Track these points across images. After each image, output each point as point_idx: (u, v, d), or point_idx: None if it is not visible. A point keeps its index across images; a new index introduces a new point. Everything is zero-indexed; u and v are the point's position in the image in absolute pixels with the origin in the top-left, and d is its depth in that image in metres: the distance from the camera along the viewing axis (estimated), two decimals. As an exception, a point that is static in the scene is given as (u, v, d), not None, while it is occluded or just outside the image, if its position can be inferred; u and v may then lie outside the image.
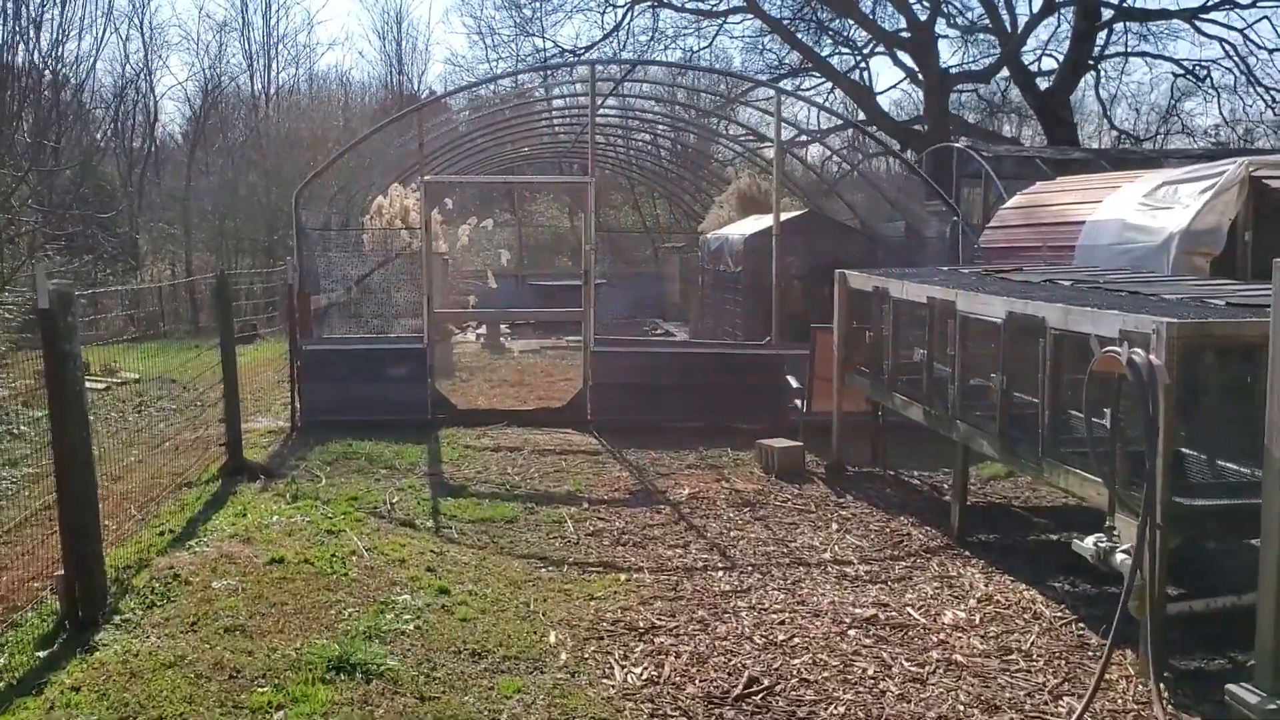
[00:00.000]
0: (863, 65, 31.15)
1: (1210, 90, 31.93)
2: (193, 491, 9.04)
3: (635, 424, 11.94)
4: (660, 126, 25.94)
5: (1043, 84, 31.40)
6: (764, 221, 13.78)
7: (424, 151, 11.86)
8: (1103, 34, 31.84)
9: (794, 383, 10.32)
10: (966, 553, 7.52)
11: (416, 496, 8.87)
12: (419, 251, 12.09)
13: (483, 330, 19.83)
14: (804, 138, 23.40)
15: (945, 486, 9.49)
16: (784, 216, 13.50)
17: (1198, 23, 30.47)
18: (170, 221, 35.66)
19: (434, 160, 21.88)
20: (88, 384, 16.45)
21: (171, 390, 15.10)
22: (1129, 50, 32.84)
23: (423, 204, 11.86)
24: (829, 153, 25.18)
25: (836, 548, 7.69)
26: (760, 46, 32.81)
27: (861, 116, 29.81)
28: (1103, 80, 34.17)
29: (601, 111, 26.52)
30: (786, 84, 29.69)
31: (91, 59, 37.25)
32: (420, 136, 11.98)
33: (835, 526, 8.21)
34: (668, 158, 25.93)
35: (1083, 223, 12.95)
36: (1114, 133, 35.42)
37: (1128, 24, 31.93)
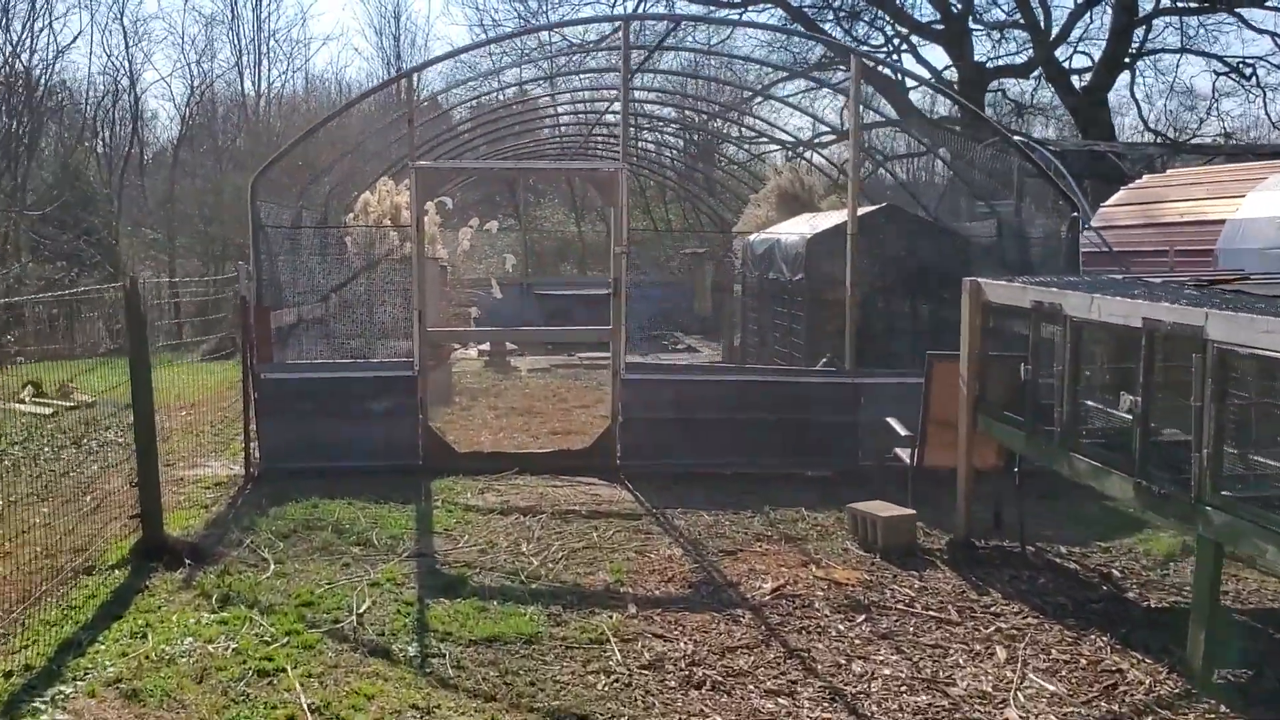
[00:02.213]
0: (895, 58, 28.52)
1: (1256, 89, 29.37)
2: (91, 582, 6.39)
3: (675, 470, 9.33)
4: (672, 126, 23.42)
5: (1077, 82, 28.94)
6: (828, 219, 11.15)
7: (414, 130, 9.20)
8: (1140, 30, 29.41)
9: (898, 427, 7.66)
10: (1224, 708, 4.87)
11: (396, 598, 6.19)
12: (410, 256, 9.43)
13: (486, 345, 17.15)
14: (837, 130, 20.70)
15: (1117, 571, 6.84)
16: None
17: (1243, 13, 27.89)
18: (154, 226, 33.09)
19: (428, 153, 19.26)
20: (33, 409, 13.77)
21: (126, 417, 12.44)
22: (1178, 47, 30.23)
23: (414, 197, 9.21)
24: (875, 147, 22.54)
25: (1021, 696, 5.02)
26: (780, 44, 30.24)
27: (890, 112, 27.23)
28: (1138, 79, 31.77)
29: (613, 108, 23.98)
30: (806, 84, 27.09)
31: (66, 50, 34.56)
32: (411, 111, 9.29)
33: (1001, 653, 5.54)
34: (679, 156, 23.32)
35: (1222, 222, 10.35)
36: (1148, 134, 32.87)
37: (1168, 20, 29.43)
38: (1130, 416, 5.39)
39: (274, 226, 9.60)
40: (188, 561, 6.69)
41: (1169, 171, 13.62)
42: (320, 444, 9.19)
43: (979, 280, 6.94)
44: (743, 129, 25.18)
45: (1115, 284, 6.37)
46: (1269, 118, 29.87)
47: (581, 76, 22.73)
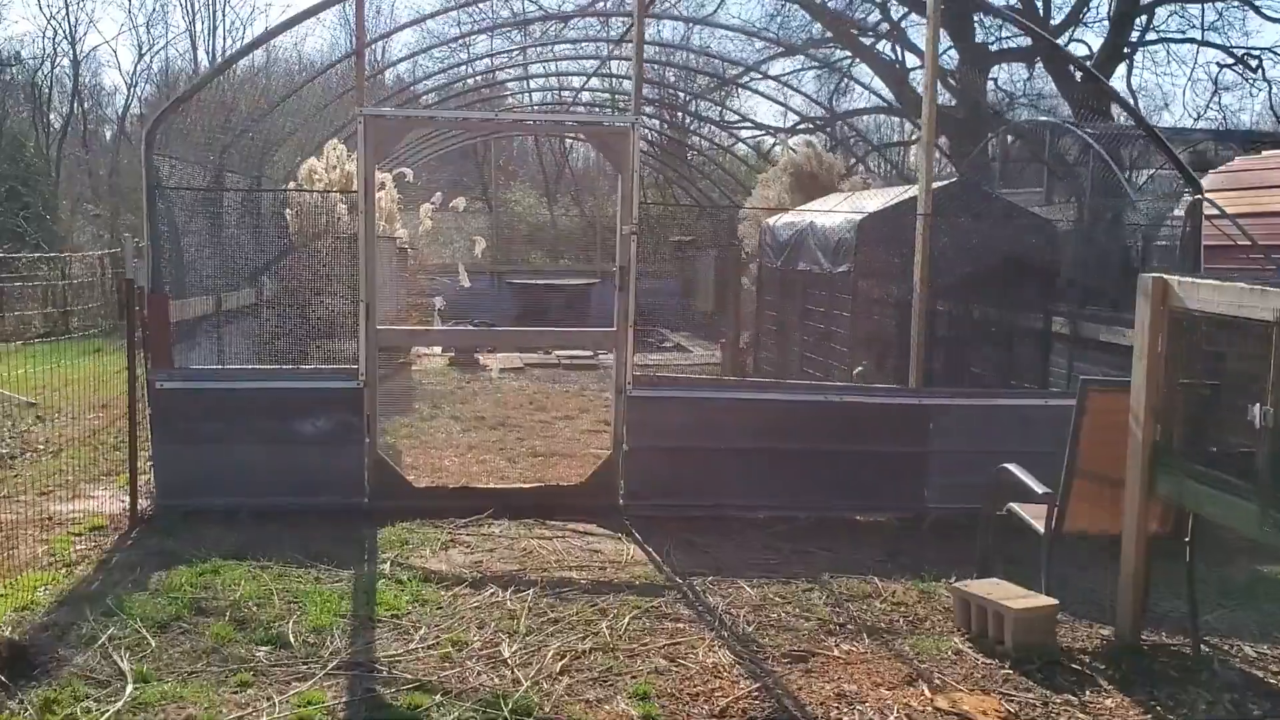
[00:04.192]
0: (892, 42, 26.37)
1: (1261, 81, 27.53)
2: None
3: (694, 513, 7.13)
4: (650, 106, 21.11)
5: (1077, 72, 27.02)
6: (877, 197, 8.93)
7: (364, 62, 6.84)
8: (1141, 19, 27.56)
9: (1027, 479, 5.44)
10: None
11: (309, 759, 3.91)
12: (358, 233, 7.09)
13: (451, 341, 14.78)
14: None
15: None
16: (901, 195, 8.72)
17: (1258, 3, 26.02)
18: (97, 202, 30.29)
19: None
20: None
21: (20, 420, 10.02)
22: (1181, 36, 28.34)
23: (361, 153, 6.87)
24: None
25: None
26: (781, 16, 27.86)
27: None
28: (1135, 70, 29.92)
29: (591, 81, 21.60)
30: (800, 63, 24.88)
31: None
32: (360, 41, 6.92)
33: None
34: (659, 139, 21.01)
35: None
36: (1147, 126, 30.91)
37: (1172, 8, 27.55)
38: None
39: (179, 188, 7.21)
40: (2, 679, 4.35)
41: (1264, 154, 11.56)
42: (233, 476, 6.86)
43: (1166, 278, 4.73)
44: (726, 110, 23.00)
45: None
46: (1274, 111, 28.03)
47: (559, 47, 20.39)
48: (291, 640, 4.87)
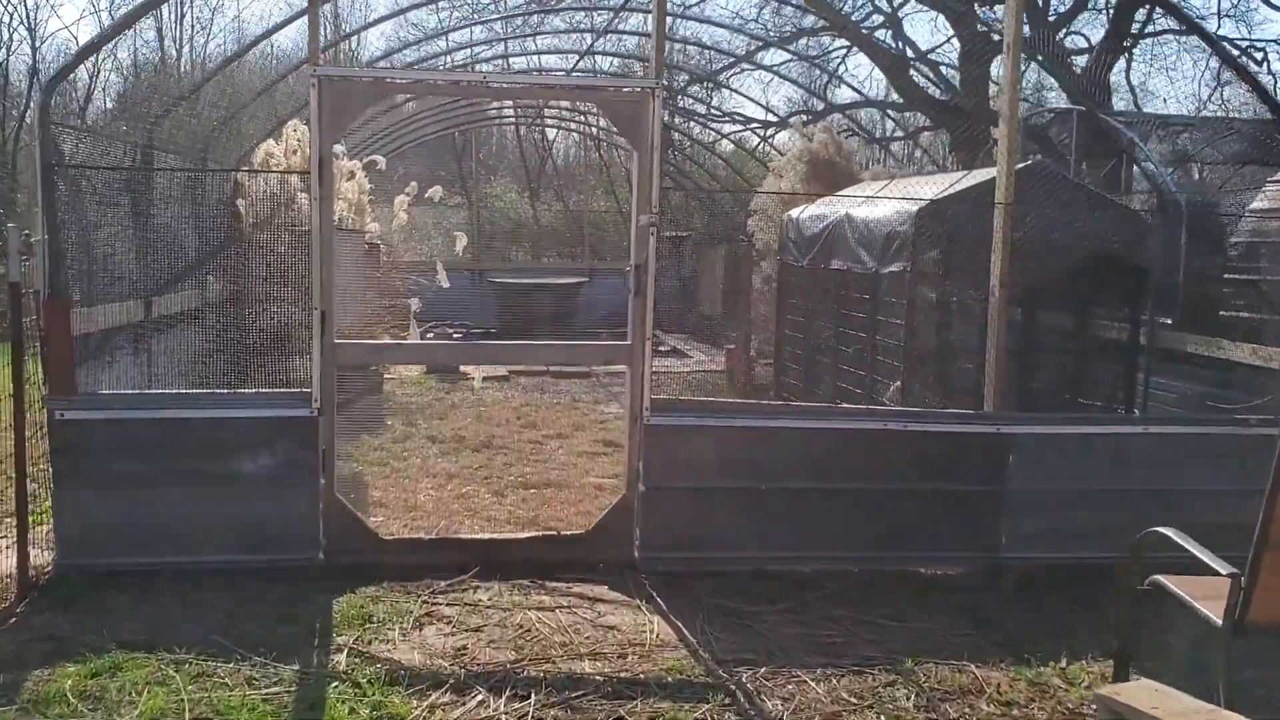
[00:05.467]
0: (890, 29, 25.03)
1: (1267, 75, 26.37)
2: None
3: (728, 568, 5.76)
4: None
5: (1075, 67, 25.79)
6: (928, 184, 7.51)
7: (319, 18, 5.35)
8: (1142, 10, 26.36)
9: (1198, 552, 4.04)
10: None
11: None
12: (319, 224, 5.60)
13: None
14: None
15: None
16: (962, 180, 7.37)
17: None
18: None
19: (368, 143, 15.31)
20: None
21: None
22: (1172, 30, 27.13)
23: (315, 123, 5.41)
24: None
25: None
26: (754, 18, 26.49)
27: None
28: (1134, 64, 28.71)
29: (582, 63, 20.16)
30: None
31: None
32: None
33: None
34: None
35: None
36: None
37: (1174, -3, 26.35)
38: None
39: (82, 167, 5.71)
40: None
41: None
42: (154, 529, 5.39)
43: None
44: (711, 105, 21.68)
45: None
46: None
47: (540, 38, 18.99)
48: (201, 794, 3.43)
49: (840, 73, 22.86)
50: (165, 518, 5.40)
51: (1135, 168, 12.33)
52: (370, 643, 4.69)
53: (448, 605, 5.17)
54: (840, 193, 9.34)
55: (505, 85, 6.02)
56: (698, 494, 5.85)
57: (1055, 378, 7.10)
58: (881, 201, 7.65)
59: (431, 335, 13.69)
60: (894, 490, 5.99)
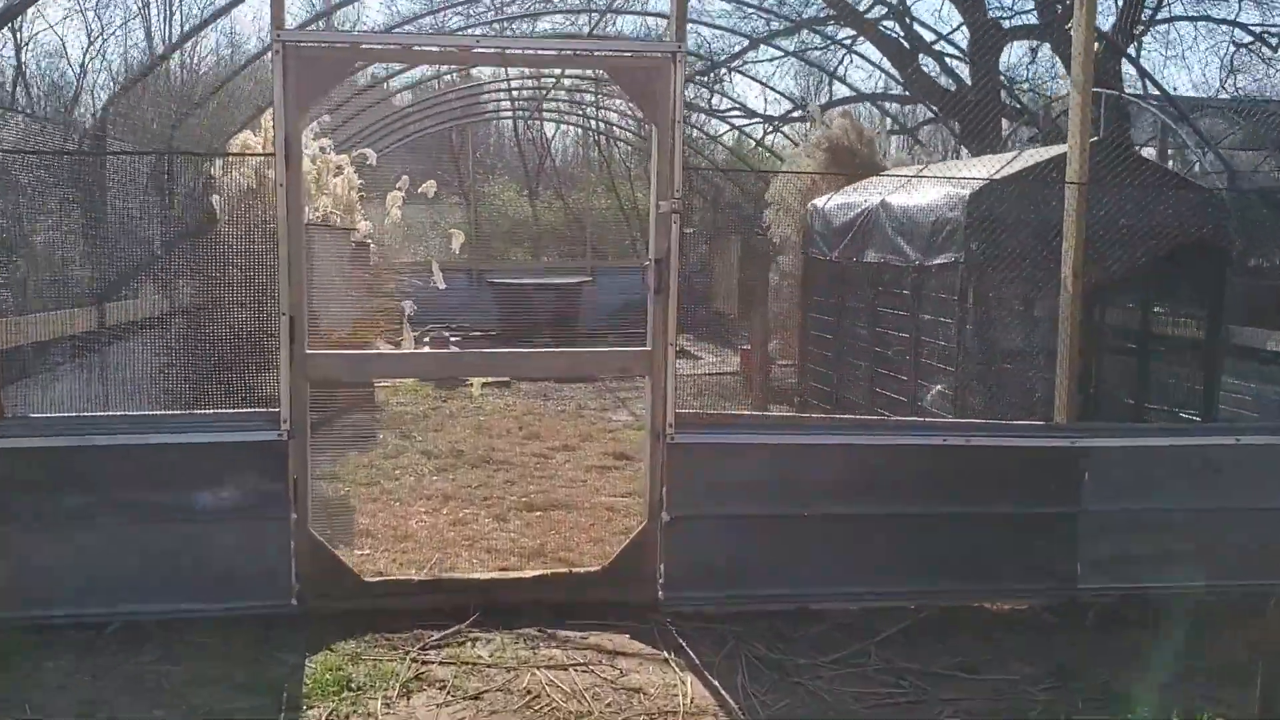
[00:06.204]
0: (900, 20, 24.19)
1: (1280, 60, 25.51)
2: None
3: (767, 607, 4.93)
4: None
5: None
6: (977, 165, 6.67)
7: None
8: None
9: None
10: None
11: None
12: (286, 215, 4.75)
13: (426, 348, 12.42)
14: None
15: None
16: (1019, 159, 6.54)
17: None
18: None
19: (356, 137, 14.47)
20: None
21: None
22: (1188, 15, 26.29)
23: (280, 98, 4.58)
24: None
25: None
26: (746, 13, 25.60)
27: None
28: (1144, 51, 27.88)
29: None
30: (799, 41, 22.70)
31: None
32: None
33: None
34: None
35: None
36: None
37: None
38: None
39: (17, 152, 4.87)
40: None
41: None
42: (95, 575, 4.58)
43: None
44: (714, 98, 20.83)
45: None
46: (1297, 92, 26.04)
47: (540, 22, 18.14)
48: None
49: (846, 64, 22.07)
50: (107, 562, 4.57)
51: (1168, 151, 11.51)
52: (347, 718, 3.86)
53: (441, 664, 4.33)
54: (880, 174, 8.48)
55: (500, 50, 5.15)
56: (730, 522, 5.03)
57: (1120, 381, 6.26)
58: (923, 185, 6.79)
59: (427, 339, 12.88)
60: (954, 513, 5.19)
